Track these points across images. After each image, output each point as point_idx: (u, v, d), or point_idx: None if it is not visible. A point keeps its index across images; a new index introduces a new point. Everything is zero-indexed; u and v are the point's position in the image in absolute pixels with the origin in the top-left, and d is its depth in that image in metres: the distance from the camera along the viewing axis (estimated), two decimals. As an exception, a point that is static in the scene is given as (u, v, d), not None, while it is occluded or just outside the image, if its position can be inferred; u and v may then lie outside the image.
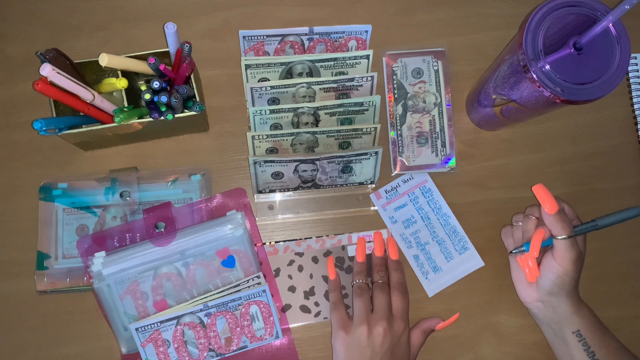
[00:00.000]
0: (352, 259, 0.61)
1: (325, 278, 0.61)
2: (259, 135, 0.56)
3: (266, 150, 0.59)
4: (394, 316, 0.55)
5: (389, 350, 0.53)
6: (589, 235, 0.55)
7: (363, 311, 0.54)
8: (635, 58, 0.67)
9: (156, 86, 0.51)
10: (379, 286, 0.56)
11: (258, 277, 0.57)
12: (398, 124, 0.63)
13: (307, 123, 0.59)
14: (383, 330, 0.53)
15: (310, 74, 0.59)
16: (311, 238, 0.61)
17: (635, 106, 0.66)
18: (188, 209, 0.59)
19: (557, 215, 0.51)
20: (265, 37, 0.59)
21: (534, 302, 0.56)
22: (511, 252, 0.57)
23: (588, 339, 0.53)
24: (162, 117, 0.54)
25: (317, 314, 0.60)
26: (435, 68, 0.64)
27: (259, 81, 0.59)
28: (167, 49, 0.54)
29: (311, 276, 0.60)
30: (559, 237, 0.51)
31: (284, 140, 0.57)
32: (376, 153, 0.58)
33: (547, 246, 0.54)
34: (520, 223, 0.58)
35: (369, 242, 0.61)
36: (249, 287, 0.57)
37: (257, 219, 0.61)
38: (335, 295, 0.57)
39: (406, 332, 0.55)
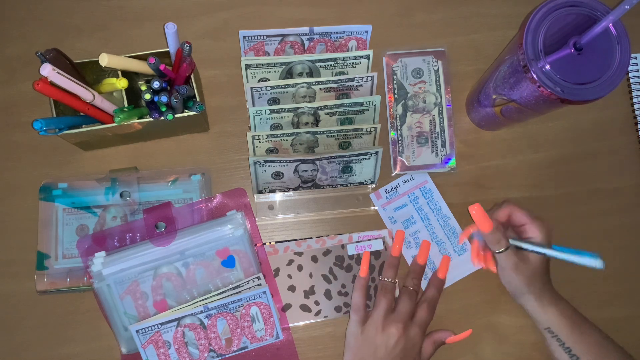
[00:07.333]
0: (351, 257, 0.61)
1: (325, 277, 0.60)
2: (259, 135, 0.56)
3: (266, 150, 0.58)
4: (414, 322, 0.55)
5: (401, 353, 0.53)
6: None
7: (383, 310, 0.55)
8: (635, 58, 0.67)
9: (156, 86, 0.51)
10: (408, 292, 0.56)
11: (258, 277, 0.57)
12: (398, 124, 0.63)
13: (307, 123, 0.59)
14: (398, 332, 0.53)
15: (310, 74, 0.59)
16: (311, 238, 0.61)
17: (635, 106, 0.66)
18: (188, 209, 0.59)
19: (490, 235, 0.54)
20: (265, 37, 0.59)
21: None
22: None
23: (561, 335, 0.54)
24: (162, 117, 0.54)
25: (318, 313, 0.60)
26: (436, 68, 0.64)
27: (259, 81, 0.59)
28: (167, 49, 0.54)
29: (310, 275, 0.60)
30: (496, 252, 0.55)
31: (284, 140, 0.57)
32: (376, 153, 0.58)
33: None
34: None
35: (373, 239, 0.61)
36: (249, 288, 0.57)
37: (257, 219, 0.61)
38: (359, 296, 0.57)
39: (420, 341, 0.55)
